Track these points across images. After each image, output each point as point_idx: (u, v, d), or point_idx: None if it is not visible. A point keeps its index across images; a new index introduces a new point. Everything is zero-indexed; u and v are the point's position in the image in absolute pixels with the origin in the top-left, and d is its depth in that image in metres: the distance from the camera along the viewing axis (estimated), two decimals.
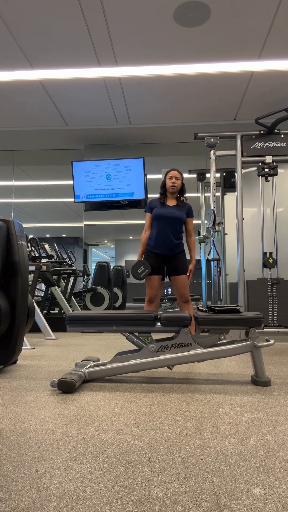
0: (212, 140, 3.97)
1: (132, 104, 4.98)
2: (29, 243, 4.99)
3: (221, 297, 5.54)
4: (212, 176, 4.04)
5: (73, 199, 6.04)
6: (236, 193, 4.00)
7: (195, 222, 5.64)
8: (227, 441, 1.35)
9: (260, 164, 3.93)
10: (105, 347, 3.58)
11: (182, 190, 3.26)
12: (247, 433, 1.42)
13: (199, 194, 6.00)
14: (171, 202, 3.23)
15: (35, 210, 9.16)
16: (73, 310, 5.35)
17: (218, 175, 5.77)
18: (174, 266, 3.15)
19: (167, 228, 3.13)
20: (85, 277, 7.87)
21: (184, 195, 3.28)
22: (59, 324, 4.80)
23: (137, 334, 2.30)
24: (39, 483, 1.06)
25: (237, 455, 1.24)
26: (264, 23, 3.48)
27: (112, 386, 2.12)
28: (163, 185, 3.25)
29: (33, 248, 5.13)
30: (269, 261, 3.95)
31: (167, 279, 3.30)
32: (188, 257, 3.26)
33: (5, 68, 4.20)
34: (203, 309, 2.45)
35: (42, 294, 5.94)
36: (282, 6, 3.28)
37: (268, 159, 3.89)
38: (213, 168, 4.05)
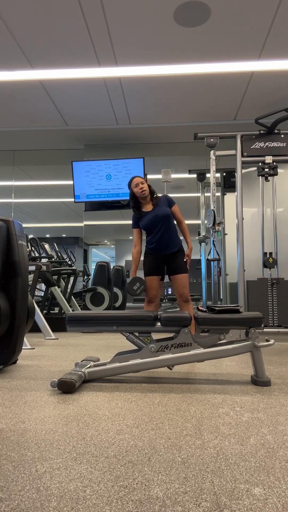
0: (212, 140, 3.97)
1: (132, 104, 4.98)
2: (29, 243, 4.99)
3: (221, 297, 5.54)
4: (212, 176, 4.04)
5: (73, 199, 6.04)
6: (236, 193, 4.00)
7: (195, 221, 5.64)
8: (227, 441, 1.35)
9: (260, 164, 3.93)
10: (105, 347, 3.58)
11: (151, 190, 3.20)
12: (247, 433, 1.42)
13: (199, 194, 6.01)
14: (149, 207, 3.17)
15: (35, 210, 9.16)
16: (73, 310, 5.35)
17: (218, 175, 5.78)
18: (174, 265, 3.15)
19: (161, 230, 3.10)
20: (85, 277, 7.87)
21: (155, 195, 3.22)
22: (59, 324, 4.80)
23: (137, 334, 2.30)
24: (39, 483, 1.06)
25: (237, 455, 1.24)
26: (264, 23, 3.48)
27: (112, 386, 2.12)
28: (133, 196, 3.18)
29: (33, 248, 5.13)
30: (269, 261, 3.95)
31: (166, 279, 3.30)
32: (185, 249, 3.24)
33: (5, 68, 4.20)
34: (203, 309, 2.45)
35: (42, 294, 5.94)
36: (282, 6, 3.28)
37: (268, 159, 3.89)
38: (213, 168, 4.05)
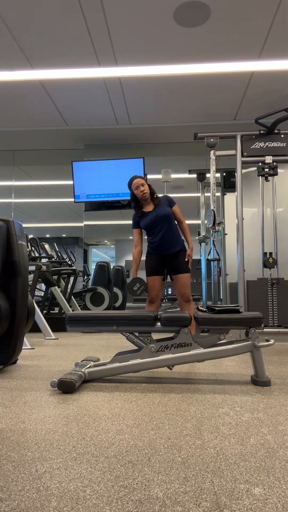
0: (212, 140, 3.97)
1: (132, 104, 4.98)
2: (29, 243, 4.99)
3: (221, 297, 5.54)
4: (212, 176, 4.04)
5: (73, 199, 6.04)
6: (236, 193, 4.00)
7: (195, 221, 5.65)
8: (227, 441, 1.35)
9: (260, 164, 3.93)
10: (105, 347, 3.58)
11: (152, 191, 3.20)
12: (247, 433, 1.42)
13: (199, 194, 6.01)
14: (150, 207, 3.17)
15: (35, 210, 9.16)
16: (73, 310, 5.35)
17: (218, 175, 5.77)
18: (175, 265, 3.15)
19: (162, 230, 3.10)
20: (85, 277, 7.87)
21: (155, 195, 3.22)
22: (59, 324, 4.80)
23: (137, 334, 2.30)
24: (39, 483, 1.06)
25: (237, 455, 1.24)
26: (264, 23, 3.48)
27: (112, 386, 2.12)
28: (133, 197, 3.18)
29: (33, 248, 5.13)
30: (269, 261, 3.95)
31: (167, 279, 3.30)
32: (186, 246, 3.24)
33: (5, 68, 4.20)
34: (203, 309, 2.45)
35: (42, 294, 5.94)
36: (282, 6, 3.28)
37: (268, 159, 3.89)
38: (213, 168, 4.05)
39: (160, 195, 3.25)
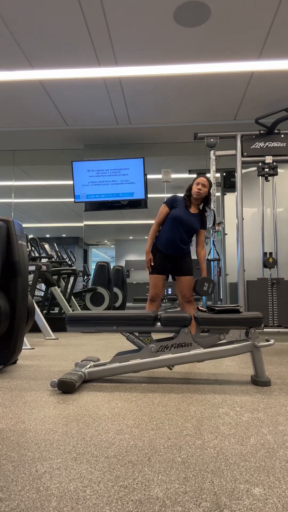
0: (212, 140, 3.97)
1: (132, 104, 4.98)
2: (29, 243, 4.99)
3: (221, 297, 5.54)
4: (212, 176, 4.04)
5: (73, 199, 6.04)
6: (236, 193, 4.00)
7: None
8: (227, 441, 1.35)
9: (260, 164, 3.93)
10: (105, 347, 3.58)
11: (207, 199, 3.17)
12: (247, 433, 1.42)
13: None
14: (194, 210, 3.15)
15: (35, 210, 9.16)
16: (73, 310, 5.35)
17: (218, 175, 5.77)
18: (180, 266, 3.14)
19: (181, 234, 3.09)
20: (85, 277, 7.87)
21: (209, 205, 3.22)
22: (59, 324, 4.80)
23: (137, 334, 2.30)
24: (39, 483, 1.06)
25: (237, 455, 1.24)
26: (264, 23, 3.48)
27: (112, 386, 2.12)
28: (189, 189, 3.15)
29: (33, 248, 5.13)
30: (269, 261, 3.95)
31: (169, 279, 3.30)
32: (194, 257, 3.24)
33: (5, 68, 4.20)
34: (203, 309, 2.45)
35: (42, 294, 5.94)
36: (282, 6, 3.28)
37: (268, 159, 3.89)
38: (213, 168, 4.05)
39: (207, 214, 3.25)
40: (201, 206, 3.21)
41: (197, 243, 3.23)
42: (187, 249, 3.17)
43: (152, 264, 3.14)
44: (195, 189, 3.09)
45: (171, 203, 3.15)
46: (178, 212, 3.10)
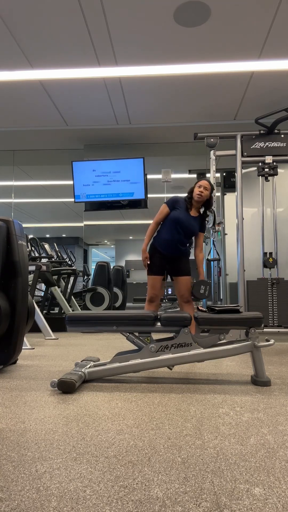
0: (212, 140, 3.97)
1: (132, 104, 4.98)
2: (29, 243, 4.99)
3: (221, 297, 5.54)
4: (212, 176, 4.04)
5: (73, 199, 6.04)
6: (236, 193, 4.00)
7: None
8: (227, 441, 1.35)
9: (260, 164, 3.93)
10: (105, 347, 3.58)
11: (208, 203, 3.15)
12: (247, 433, 1.42)
13: None
14: (194, 213, 3.14)
15: (35, 210, 9.16)
16: (73, 310, 5.35)
17: (218, 175, 5.78)
18: (178, 266, 3.14)
19: (180, 236, 3.08)
20: (85, 277, 7.87)
21: (211, 209, 3.21)
22: (59, 324, 4.80)
23: (137, 334, 2.30)
24: (39, 483, 1.06)
25: (237, 455, 1.24)
26: (264, 23, 3.48)
27: (112, 386, 2.12)
28: (191, 191, 3.14)
29: (33, 248, 5.13)
30: (269, 261, 3.95)
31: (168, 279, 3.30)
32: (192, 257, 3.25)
33: (5, 68, 4.20)
34: (203, 309, 2.45)
35: (42, 294, 5.94)
36: (282, 6, 3.28)
37: (268, 159, 3.89)
38: (213, 168, 4.05)
39: (207, 219, 3.26)
40: (202, 210, 3.20)
41: (196, 246, 3.22)
42: (185, 250, 3.17)
43: (149, 262, 3.14)
44: (196, 191, 3.07)
45: (172, 204, 3.13)
46: (178, 213, 3.09)
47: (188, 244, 3.20)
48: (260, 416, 1.61)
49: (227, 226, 5.67)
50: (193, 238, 3.22)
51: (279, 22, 3.48)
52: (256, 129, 3.97)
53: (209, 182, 3.11)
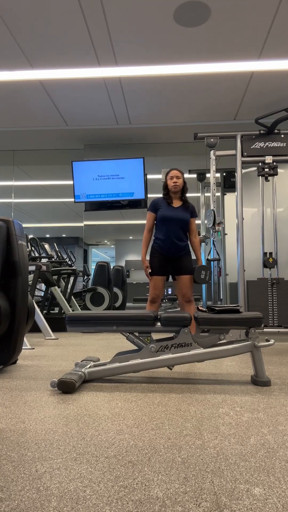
0: (212, 140, 3.97)
1: (132, 104, 4.98)
2: (29, 243, 4.99)
3: (221, 297, 5.54)
4: (212, 176, 4.04)
5: (73, 199, 6.04)
6: (236, 193, 4.00)
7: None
8: (227, 441, 1.35)
9: (260, 164, 3.93)
10: (105, 347, 3.58)
11: (183, 189, 3.22)
12: (247, 433, 1.42)
13: (199, 194, 6.00)
14: (176, 203, 3.19)
15: (35, 210, 9.16)
16: (73, 310, 5.35)
17: (218, 175, 5.77)
18: (179, 266, 3.15)
19: (175, 231, 3.11)
20: (85, 277, 7.87)
21: (185, 195, 3.25)
22: (59, 324, 4.80)
23: (137, 334, 2.30)
24: (39, 483, 1.06)
25: (237, 455, 1.24)
26: (264, 23, 3.48)
27: (112, 386, 2.12)
28: (165, 186, 3.22)
29: (33, 248, 5.13)
30: (269, 261, 3.95)
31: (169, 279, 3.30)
32: (193, 257, 3.25)
33: (5, 68, 4.20)
34: (203, 309, 2.45)
35: (42, 294, 5.94)
36: (282, 6, 3.28)
37: (268, 159, 3.89)
38: (213, 168, 4.05)
39: (190, 203, 3.26)
40: (182, 197, 3.23)
41: (190, 232, 3.24)
42: (185, 246, 3.17)
43: (150, 271, 3.17)
44: (170, 183, 3.16)
45: (154, 206, 3.22)
46: (162, 211, 3.16)
47: (186, 239, 3.21)
48: (260, 416, 1.61)
49: (227, 226, 5.67)
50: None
51: (279, 22, 3.48)
52: (256, 129, 3.97)
53: (179, 170, 3.20)
